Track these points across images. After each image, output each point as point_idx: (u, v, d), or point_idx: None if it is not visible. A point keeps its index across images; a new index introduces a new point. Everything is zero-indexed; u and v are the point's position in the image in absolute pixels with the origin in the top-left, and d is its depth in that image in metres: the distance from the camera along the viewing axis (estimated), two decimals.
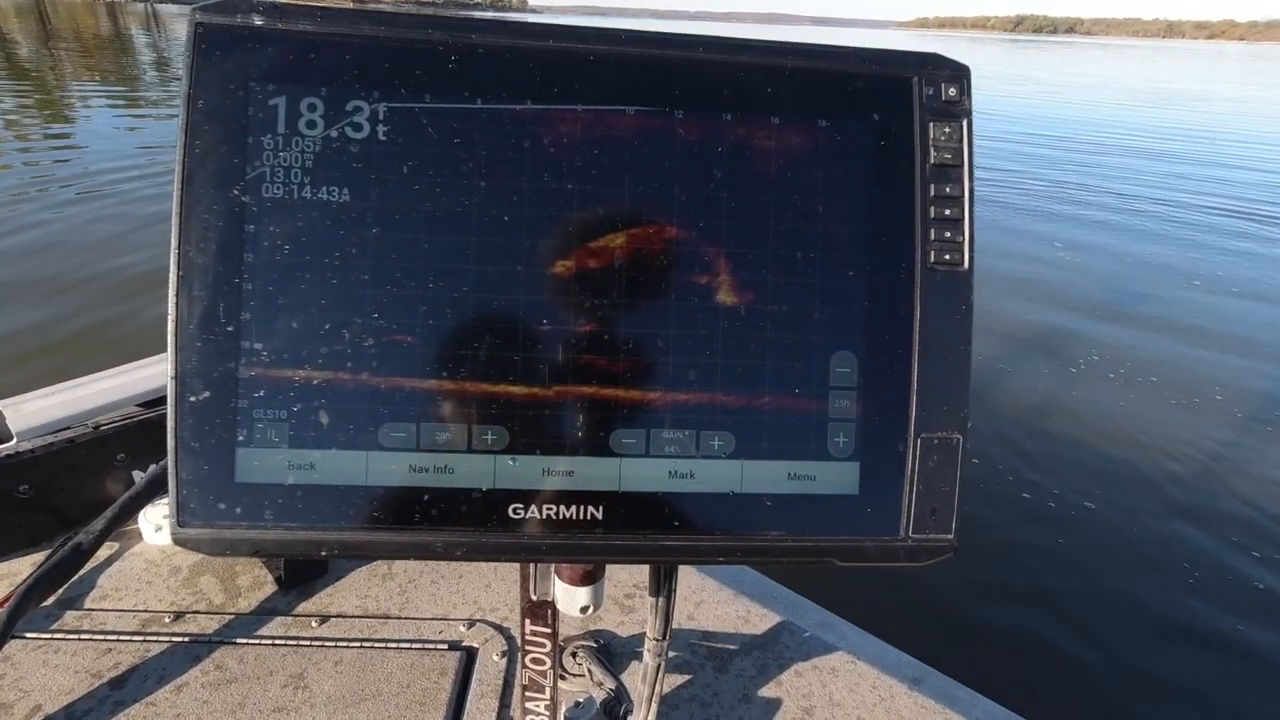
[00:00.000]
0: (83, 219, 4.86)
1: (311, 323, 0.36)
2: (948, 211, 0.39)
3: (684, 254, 0.38)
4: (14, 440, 0.97)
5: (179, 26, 30.44)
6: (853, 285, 0.39)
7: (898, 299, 0.39)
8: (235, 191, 0.36)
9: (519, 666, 0.88)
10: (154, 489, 0.93)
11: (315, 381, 0.36)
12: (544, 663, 0.62)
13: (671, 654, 0.91)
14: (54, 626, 0.88)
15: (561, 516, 0.38)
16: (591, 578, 0.52)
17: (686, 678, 0.88)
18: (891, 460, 0.39)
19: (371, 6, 0.37)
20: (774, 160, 0.38)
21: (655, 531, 0.38)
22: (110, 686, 0.81)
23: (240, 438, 0.36)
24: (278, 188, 0.36)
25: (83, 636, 0.87)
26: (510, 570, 1.03)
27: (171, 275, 0.35)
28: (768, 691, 0.87)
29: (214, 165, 0.36)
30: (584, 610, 0.53)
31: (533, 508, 0.37)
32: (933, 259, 0.39)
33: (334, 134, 0.36)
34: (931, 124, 0.38)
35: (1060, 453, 2.87)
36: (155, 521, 1.02)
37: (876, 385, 0.39)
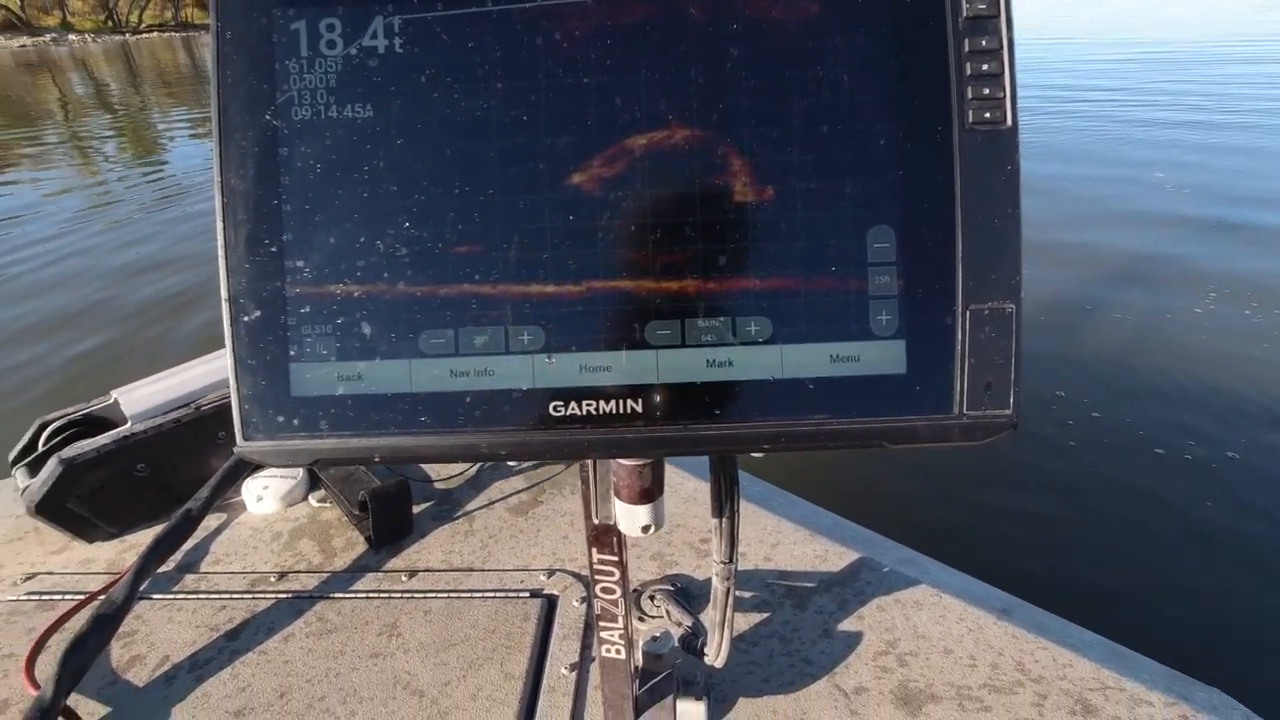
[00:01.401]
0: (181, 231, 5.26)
1: (347, 237, 0.37)
2: (985, 67, 0.36)
3: (705, 138, 0.37)
4: (129, 424, 1.05)
5: None
6: (885, 156, 0.37)
7: (935, 165, 0.37)
8: (267, 117, 0.37)
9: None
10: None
11: (355, 294, 0.37)
12: (614, 591, 0.63)
13: (748, 593, 0.91)
14: (175, 588, 0.96)
15: (601, 411, 0.38)
16: (649, 495, 0.52)
17: (765, 615, 0.87)
18: (939, 335, 0.37)
19: None
20: (793, 32, 0.37)
21: (696, 421, 0.38)
22: (227, 639, 0.87)
23: (292, 353, 0.38)
24: (305, 109, 0.37)
25: (200, 596, 0.94)
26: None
27: (217, 203, 0.37)
28: (848, 626, 0.85)
29: (245, 93, 0.37)
30: (645, 529, 0.54)
31: (572, 404, 0.38)
32: (971, 119, 0.36)
33: (353, 51, 0.37)
34: None
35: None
36: (256, 493, 1.09)
37: (918, 258, 0.37)
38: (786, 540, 0.99)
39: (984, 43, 0.36)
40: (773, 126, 0.37)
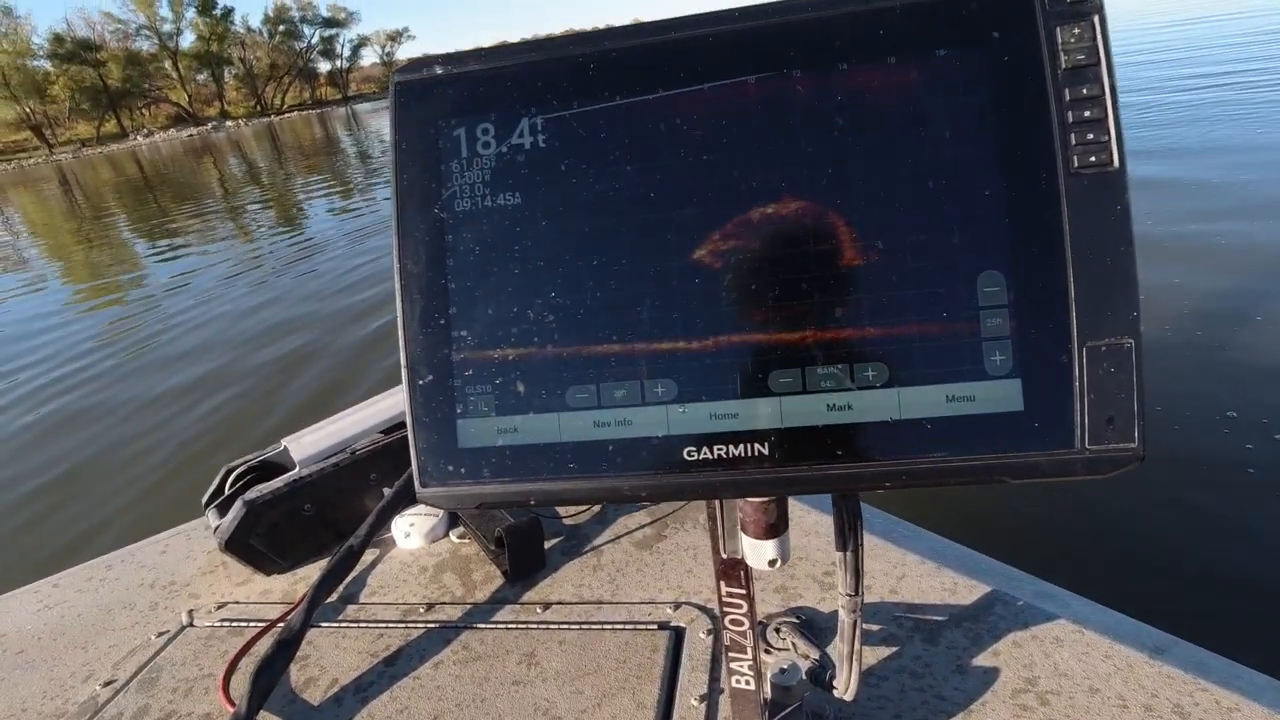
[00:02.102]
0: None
1: (502, 308, 0.43)
2: (1087, 113, 0.38)
3: (816, 201, 0.40)
4: (297, 468, 1.19)
5: (372, 120, 34.95)
6: (990, 205, 0.39)
7: (1041, 210, 0.38)
8: (436, 210, 0.44)
9: (725, 644, 0.92)
10: (400, 498, 1.09)
11: (510, 357, 0.43)
12: (742, 624, 0.65)
13: (876, 626, 0.90)
14: (340, 617, 1.06)
15: (731, 455, 0.41)
16: (775, 531, 0.55)
17: (893, 649, 0.86)
18: (1055, 372, 0.38)
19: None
20: (894, 98, 0.39)
21: (819, 462, 0.40)
22: (385, 664, 0.96)
23: (459, 410, 0.44)
24: (466, 201, 0.44)
25: (361, 625, 1.04)
26: (709, 556, 1.07)
27: (396, 285, 0.44)
28: (983, 662, 0.83)
29: (419, 192, 0.44)
30: (771, 564, 0.56)
31: (704, 449, 0.42)
32: (1076, 164, 0.38)
33: (504, 149, 0.43)
34: (1058, 29, 0.38)
35: None
36: (404, 529, 1.19)
37: (1029, 299, 0.38)
38: (912, 573, 0.98)
39: (1085, 90, 0.38)
40: (879, 186, 0.40)
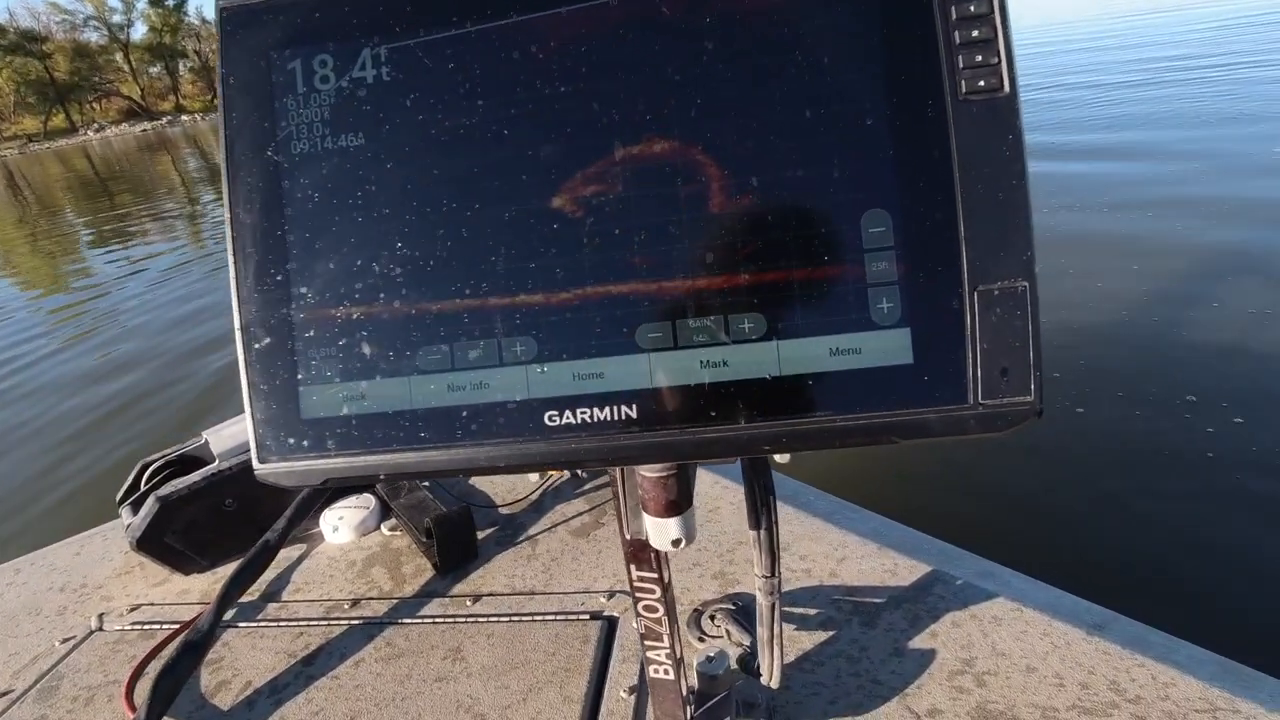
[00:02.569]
0: None
1: (345, 261, 0.39)
2: (975, 33, 0.34)
3: (685, 135, 0.36)
4: (216, 462, 1.13)
5: None
6: (873, 135, 0.35)
7: (928, 141, 0.35)
8: (270, 153, 0.39)
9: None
10: (321, 491, 1.04)
11: (355, 316, 0.39)
12: (656, 609, 0.62)
13: (813, 610, 0.87)
14: (259, 616, 1.00)
15: (596, 419, 0.37)
16: (676, 508, 0.51)
17: (830, 634, 0.83)
18: (947, 320, 0.35)
19: None
20: (767, 20, 0.36)
21: (694, 425, 0.37)
22: (303, 664, 0.91)
23: (300, 376, 0.39)
24: (304, 143, 0.39)
25: (281, 624, 0.98)
26: None
27: (228, 237, 0.39)
28: (921, 644, 0.80)
29: (250, 132, 0.39)
30: (675, 544, 0.52)
31: (567, 413, 0.37)
32: (964, 89, 0.34)
33: (344, 84, 0.39)
34: None
35: None
36: (332, 523, 1.14)
37: (917, 240, 0.35)
38: (853, 555, 0.95)
39: (971, 8, 0.34)
40: (752, 116, 0.36)
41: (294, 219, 0.39)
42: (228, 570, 1.12)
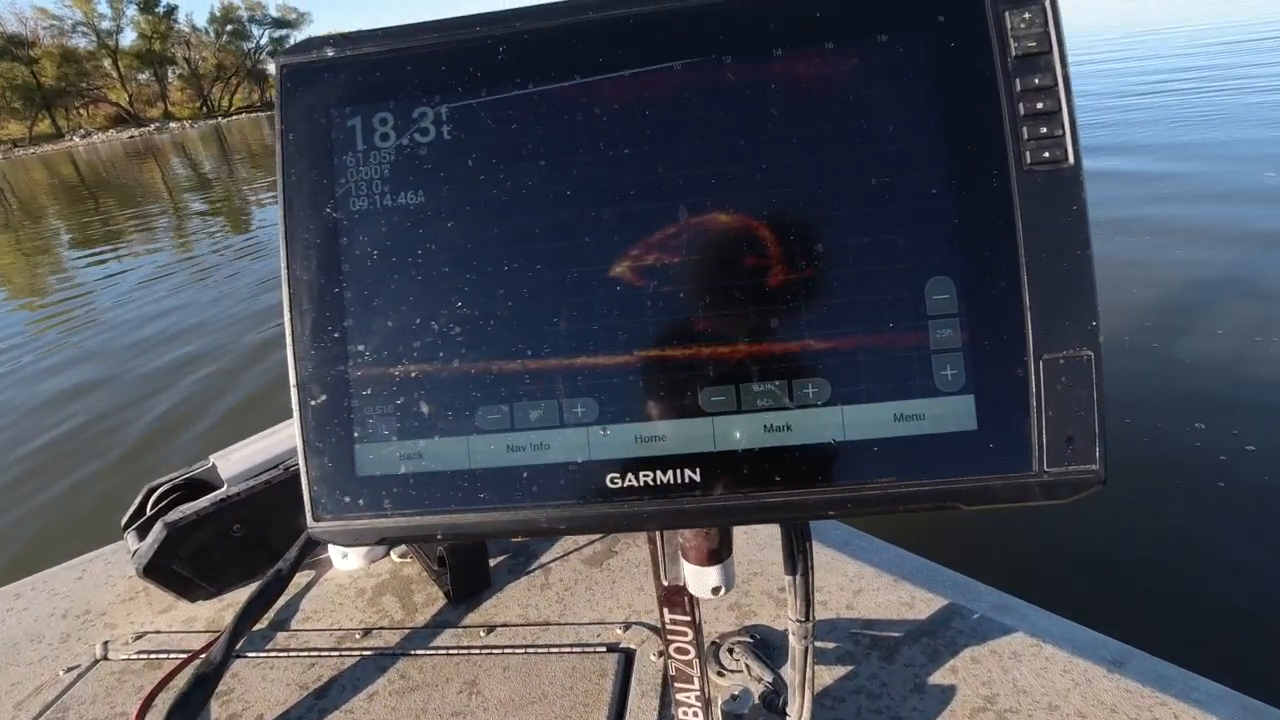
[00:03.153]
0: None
1: (403, 319, 0.38)
2: (1040, 105, 0.35)
3: (751, 200, 0.36)
4: (225, 487, 1.11)
5: None
6: (938, 204, 0.35)
7: (993, 210, 0.35)
8: (328, 210, 0.39)
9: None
10: None
11: (413, 374, 0.38)
12: (688, 651, 0.61)
13: (831, 644, 0.87)
14: (268, 646, 0.99)
15: (659, 482, 0.37)
16: (717, 557, 0.51)
17: (849, 668, 0.83)
18: (1011, 388, 0.35)
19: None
20: (833, 88, 0.36)
21: (756, 489, 0.37)
22: (315, 697, 0.90)
23: (356, 434, 0.39)
24: (362, 200, 0.39)
25: (291, 655, 0.97)
26: None
27: (284, 294, 0.39)
28: (941, 679, 0.80)
29: (308, 189, 0.39)
30: (715, 591, 0.52)
31: (629, 476, 0.37)
32: (1029, 159, 0.35)
33: (405, 142, 0.39)
34: (1007, 13, 0.35)
35: None
36: (341, 550, 1.13)
37: (981, 308, 0.35)
38: (869, 587, 0.95)
39: (1037, 81, 0.35)
40: (816, 183, 0.36)
41: (351, 276, 0.39)
42: (235, 597, 1.11)
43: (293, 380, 0.39)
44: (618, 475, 0.37)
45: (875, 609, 0.92)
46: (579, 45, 0.37)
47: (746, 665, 0.84)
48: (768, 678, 0.81)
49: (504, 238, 0.38)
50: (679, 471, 0.37)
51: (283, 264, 0.39)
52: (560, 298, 0.37)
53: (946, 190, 0.35)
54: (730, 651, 0.87)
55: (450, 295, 0.38)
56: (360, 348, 0.39)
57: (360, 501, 0.39)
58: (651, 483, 0.37)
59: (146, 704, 0.90)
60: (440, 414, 0.38)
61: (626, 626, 0.94)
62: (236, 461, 1.14)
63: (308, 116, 0.39)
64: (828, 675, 0.84)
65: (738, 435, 0.37)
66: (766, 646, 0.88)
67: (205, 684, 0.85)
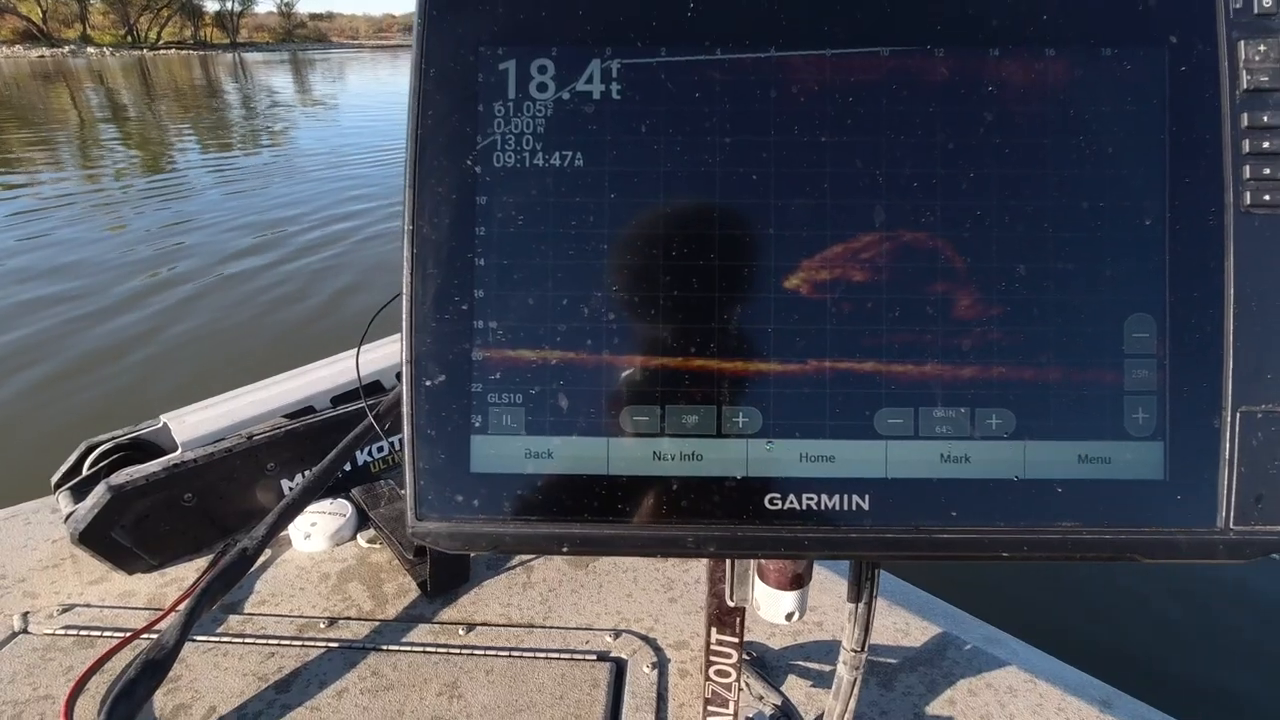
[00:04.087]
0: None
1: (547, 299, 0.34)
2: (1266, 144, 0.33)
3: (951, 209, 0.33)
4: (179, 451, 1.01)
5: (263, 73, 32.06)
6: (1150, 237, 0.33)
7: (1205, 250, 0.33)
8: (467, 162, 0.34)
9: (670, 680, 0.84)
10: (309, 496, 0.95)
11: (553, 362, 0.34)
12: (729, 675, 0.58)
13: (829, 666, 0.85)
14: (220, 630, 0.90)
15: (823, 507, 0.34)
16: (800, 581, 0.48)
17: None
18: (1204, 438, 0.33)
19: None
20: (1052, 98, 0.33)
21: (928, 523, 0.34)
22: (276, 690, 0.82)
23: (476, 424, 0.34)
24: (509, 155, 0.34)
25: (247, 640, 0.89)
26: (651, 579, 1.00)
27: (405, 253, 0.34)
28: (940, 709, 0.80)
29: (445, 135, 0.34)
30: (789, 617, 0.49)
31: (791, 497, 0.34)
32: (1248, 200, 0.33)
33: (566, 96, 0.34)
34: (1242, 42, 0.33)
35: None
36: (304, 529, 1.05)
37: (1182, 351, 0.33)
38: None
39: (1266, 118, 0.33)
40: (1027, 199, 0.33)
41: (488, 241, 0.34)
42: (177, 573, 1.01)
43: (405, 355, 0.34)
44: (778, 496, 0.34)
45: (873, 633, 0.91)
46: (780, 14, 0.33)
47: (747, 684, 0.82)
48: (773, 699, 0.78)
49: (675, 219, 0.33)
50: (847, 497, 0.34)
51: (406, 217, 0.34)
52: (733, 292, 0.33)
53: (1160, 222, 0.33)
54: None
55: (606, 277, 0.34)
56: (492, 325, 0.34)
57: (475, 502, 0.34)
58: (815, 507, 0.34)
59: (79, 686, 0.80)
60: (580, 409, 0.34)
61: (617, 634, 0.90)
62: (193, 425, 1.04)
63: (453, 52, 0.34)
64: (826, 696, 0.82)
65: (913, 463, 0.34)
66: (764, 665, 0.86)
67: (155, 671, 0.76)
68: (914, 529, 0.34)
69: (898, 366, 0.33)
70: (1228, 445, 0.33)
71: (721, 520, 0.34)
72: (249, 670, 0.84)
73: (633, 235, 0.34)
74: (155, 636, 0.78)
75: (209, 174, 8.22)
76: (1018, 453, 0.34)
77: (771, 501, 0.34)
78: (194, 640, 0.88)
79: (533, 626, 0.92)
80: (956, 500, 0.34)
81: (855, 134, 0.33)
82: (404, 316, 0.34)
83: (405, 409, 0.34)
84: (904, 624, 0.92)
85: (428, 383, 0.34)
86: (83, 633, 0.89)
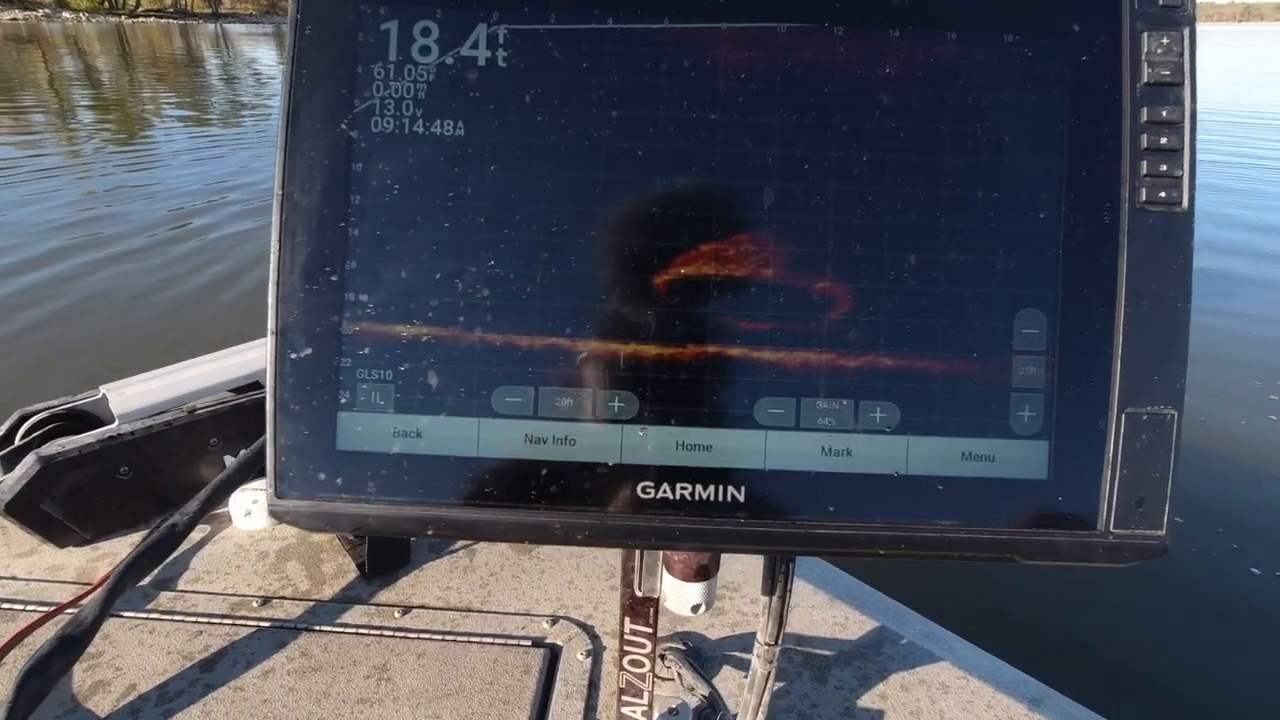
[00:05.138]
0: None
1: (421, 272, 0.32)
2: (1164, 140, 0.32)
3: (844, 193, 0.32)
4: (116, 423, 0.99)
5: (246, 45, 31.36)
6: (1044, 230, 0.32)
7: (1099, 245, 0.32)
8: (343, 126, 0.32)
9: (604, 667, 0.84)
10: (245, 472, 0.93)
11: (424, 338, 0.32)
12: (643, 665, 0.57)
13: None
14: (149, 606, 0.89)
15: (697, 497, 0.33)
16: (706, 573, 0.47)
17: (781, 685, 0.82)
18: (1089, 439, 0.33)
19: None
20: (951, 83, 0.32)
21: (805, 517, 0.33)
22: (200, 669, 0.80)
23: (343, 400, 0.33)
24: (388, 121, 0.32)
25: (175, 617, 0.87)
26: (594, 566, 0.99)
27: (274, 219, 0.32)
28: (871, 704, 0.80)
29: (321, 98, 0.32)
30: (695, 609, 0.49)
31: (664, 487, 0.33)
32: (1144, 197, 0.32)
33: (450, 60, 0.32)
34: (1146, 34, 0.32)
35: None
36: (245, 506, 1.03)
37: (1071, 348, 0.33)
38: (804, 604, 0.94)
39: (1164, 113, 0.32)
40: (922, 186, 0.32)
41: (363, 210, 0.32)
42: (111, 548, 0.99)
43: (271, 325, 0.32)
44: (651, 484, 0.33)
45: (809, 626, 0.91)
46: None
47: (679, 674, 0.81)
48: (702, 689, 0.78)
49: (557, 193, 0.32)
50: (722, 489, 0.33)
51: (277, 181, 0.32)
52: (614, 272, 0.32)
53: (1055, 216, 0.32)
54: (663, 658, 0.84)
55: (483, 251, 0.32)
56: (363, 298, 0.32)
57: (338, 480, 0.33)
58: (689, 497, 0.33)
59: None
60: (451, 388, 0.32)
61: (554, 621, 0.89)
62: (133, 396, 1.02)
63: (333, 9, 0.32)
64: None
65: (792, 455, 0.33)
66: (699, 656, 0.86)
67: (71, 646, 0.74)
68: (789, 523, 0.33)
69: (781, 354, 0.32)
70: (1112, 447, 0.33)
71: (591, 508, 0.33)
72: (174, 648, 0.83)
73: (511, 209, 0.32)
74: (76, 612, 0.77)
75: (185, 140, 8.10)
76: (901, 448, 0.33)
77: (644, 490, 0.33)
78: (120, 616, 0.86)
79: (470, 611, 0.91)
80: (835, 494, 0.33)
81: (747, 112, 0.32)
82: (270, 286, 0.32)
83: (269, 382, 0.33)
84: (843, 618, 0.92)
85: (293, 355, 0.32)
86: (6, 606, 0.87)
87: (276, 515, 0.33)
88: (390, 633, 0.86)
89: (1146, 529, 0.33)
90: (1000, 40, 0.32)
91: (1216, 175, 6.84)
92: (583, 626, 0.89)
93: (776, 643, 0.56)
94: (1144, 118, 0.32)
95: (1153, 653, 1.84)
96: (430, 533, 0.33)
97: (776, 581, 0.53)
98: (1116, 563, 0.33)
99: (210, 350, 1.15)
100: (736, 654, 0.87)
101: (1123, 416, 0.32)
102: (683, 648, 0.86)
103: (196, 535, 1.01)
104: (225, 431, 1.06)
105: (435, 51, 0.32)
